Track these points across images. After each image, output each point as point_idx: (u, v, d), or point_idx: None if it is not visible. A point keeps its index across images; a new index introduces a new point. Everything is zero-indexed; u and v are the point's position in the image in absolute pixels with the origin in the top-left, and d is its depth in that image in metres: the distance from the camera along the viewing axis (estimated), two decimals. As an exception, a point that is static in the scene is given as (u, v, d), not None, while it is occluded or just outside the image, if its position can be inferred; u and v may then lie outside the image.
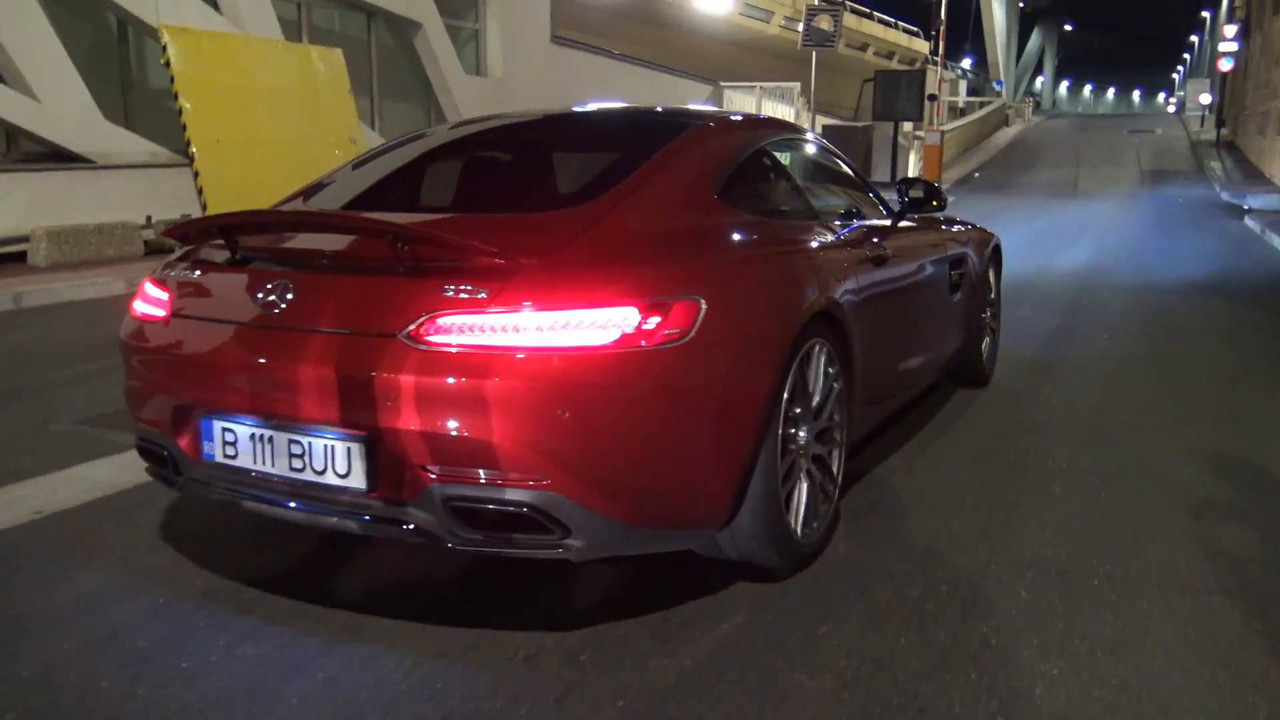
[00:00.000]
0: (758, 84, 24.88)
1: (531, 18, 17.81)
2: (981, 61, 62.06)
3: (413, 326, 2.37)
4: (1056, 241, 13.32)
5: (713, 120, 3.55)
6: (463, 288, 2.38)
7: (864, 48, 40.08)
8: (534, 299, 2.36)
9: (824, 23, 23.65)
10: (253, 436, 2.57)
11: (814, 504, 3.04)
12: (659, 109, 3.91)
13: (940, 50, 28.20)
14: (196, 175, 11.07)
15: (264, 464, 2.58)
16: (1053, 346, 6.51)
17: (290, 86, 12.45)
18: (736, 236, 3.02)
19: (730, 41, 32.11)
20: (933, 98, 26.37)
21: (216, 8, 12.38)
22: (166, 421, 2.76)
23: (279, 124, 12.15)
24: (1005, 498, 3.67)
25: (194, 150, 11.04)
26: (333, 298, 2.57)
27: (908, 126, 29.13)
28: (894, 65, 37.70)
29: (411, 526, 2.45)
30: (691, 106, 21.58)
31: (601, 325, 2.36)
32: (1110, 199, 20.99)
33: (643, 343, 2.40)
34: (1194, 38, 69.30)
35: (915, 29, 43.86)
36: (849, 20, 37.70)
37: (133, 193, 11.04)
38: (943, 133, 25.14)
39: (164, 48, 10.93)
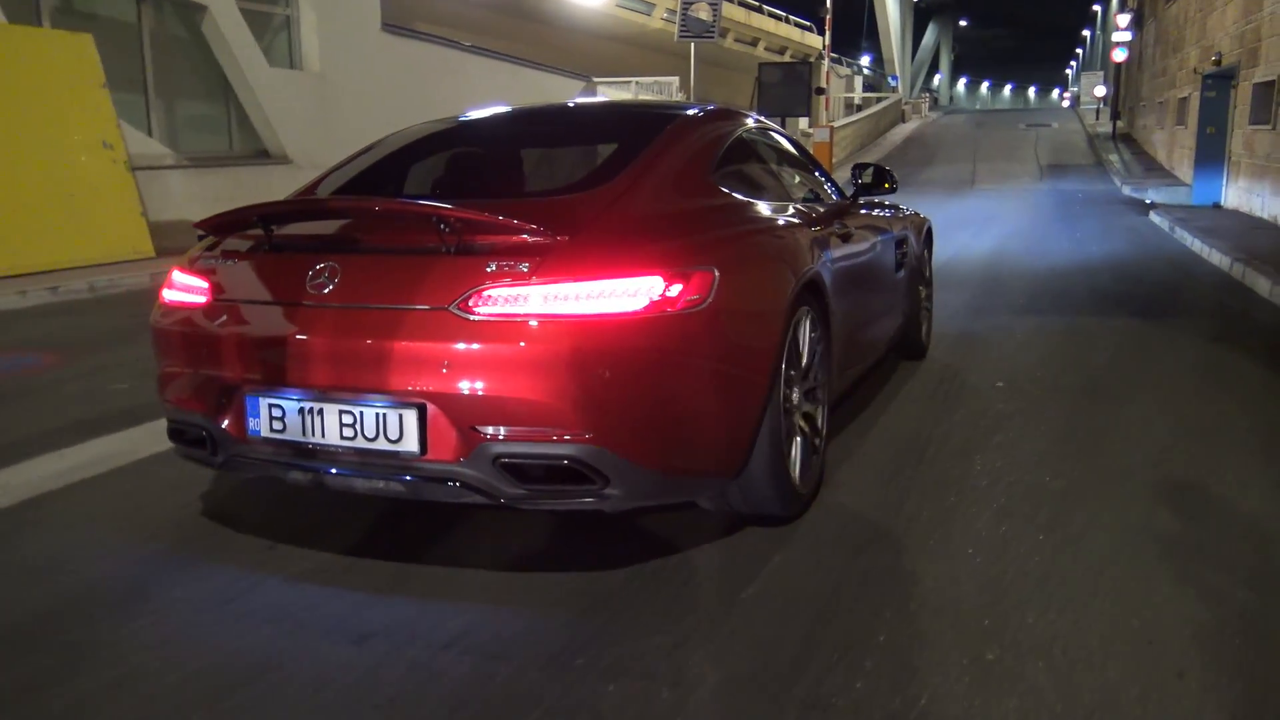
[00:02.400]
0: (634, 79, 22.97)
1: (357, 3, 15.46)
2: (880, 59, 61.26)
3: (461, 300, 2.54)
4: (950, 245, 11.60)
5: (693, 111, 3.64)
6: (505, 263, 2.56)
7: (755, 43, 38.48)
8: (571, 271, 2.54)
9: (702, 12, 21.90)
10: (301, 410, 2.70)
11: (807, 457, 3.27)
12: (641, 102, 4.39)
13: (827, 40, 26.58)
14: None
15: (313, 435, 2.69)
16: (926, 421, 4.58)
17: (13, 78, 10.03)
18: (733, 214, 3.23)
19: (610, 36, 30.19)
20: (820, 91, 24.71)
21: (-92, -19, 9.88)
22: (207, 403, 2.86)
23: (-3, 124, 9.73)
24: None
25: None
26: (380, 277, 2.70)
27: (804, 124, 27.57)
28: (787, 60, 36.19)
29: (458, 484, 2.59)
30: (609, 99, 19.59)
31: (632, 293, 2.55)
32: (1009, 196, 19.58)
33: (668, 309, 2.59)
34: (1086, 32, 69.70)
35: (809, 24, 42.50)
36: (737, 14, 36.11)
37: None
38: (832, 128, 23.51)
39: None
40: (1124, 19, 32.41)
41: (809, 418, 3.33)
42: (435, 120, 4.05)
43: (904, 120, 41.89)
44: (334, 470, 2.69)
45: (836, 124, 26.73)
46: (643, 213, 2.86)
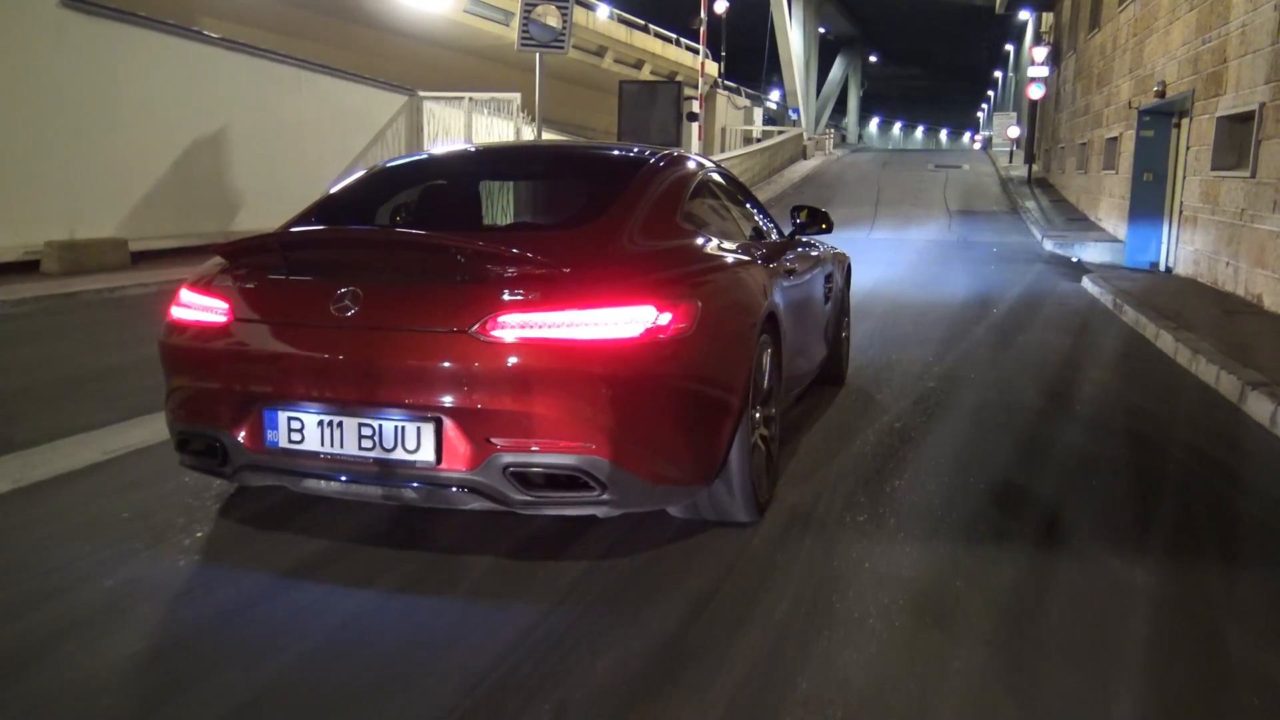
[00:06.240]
0: (467, 95, 18.89)
1: (17, -35, 11.06)
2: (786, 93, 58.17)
3: (479, 324, 2.81)
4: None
5: (657, 157, 3.91)
6: (517, 292, 2.83)
7: (639, 65, 34.78)
8: (576, 300, 2.83)
9: (550, 18, 17.90)
10: (320, 423, 2.91)
11: (765, 467, 3.66)
12: (611, 145, 4.92)
13: (703, 55, 22.91)
14: None
15: (331, 447, 2.91)
16: None
17: None
18: (705, 251, 3.57)
19: (461, 48, 26.13)
20: (693, 117, 20.97)
21: None
22: (222, 416, 3.03)
23: None
24: None
25: None
26: (401, 301, 2.94)
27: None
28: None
29: (466, 490, 2.85)
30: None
31: (629, 321, 2.86)
32: (910, 248, 16.00)
33: (660, 335, 2.90)
34: (998, 73, 67.91)
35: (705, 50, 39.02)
36: (617, 31, 32.40)
37: None
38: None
39: None
40: (1040, 52, 29.49)
41: (768, 429, 3.68)
42: (417, 156, 4.42)
43: (805, 157, 38.53)
44: (347, 479, 2.92)
45: (717, 158, 23.03)
46: (630, 249, 3.17)
